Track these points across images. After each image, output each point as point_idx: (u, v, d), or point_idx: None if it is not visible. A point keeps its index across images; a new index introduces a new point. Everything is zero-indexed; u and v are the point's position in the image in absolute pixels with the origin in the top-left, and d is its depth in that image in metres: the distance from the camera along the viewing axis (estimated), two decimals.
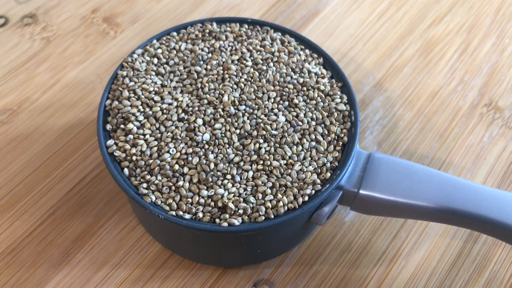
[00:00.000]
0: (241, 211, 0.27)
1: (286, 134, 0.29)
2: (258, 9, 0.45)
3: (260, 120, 0.29)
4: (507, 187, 0.36)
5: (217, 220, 0.27)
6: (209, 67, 0.32)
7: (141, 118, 0.29)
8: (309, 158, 0.29)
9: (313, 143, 0.29)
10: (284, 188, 0.28)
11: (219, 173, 0.28)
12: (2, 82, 0.40)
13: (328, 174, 0.28)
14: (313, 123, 0.30)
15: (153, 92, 0.30)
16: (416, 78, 0.42)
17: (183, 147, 0.28)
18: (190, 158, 0.28)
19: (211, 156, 0.28)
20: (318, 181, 0.28)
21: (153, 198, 0.27)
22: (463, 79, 0.42)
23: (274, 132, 0.29)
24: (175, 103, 0.30)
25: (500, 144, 0.38)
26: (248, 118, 0.29)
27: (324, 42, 0.43)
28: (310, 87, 0.31)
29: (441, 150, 0.38)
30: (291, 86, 0.31)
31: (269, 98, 0.30)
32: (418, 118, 0.39)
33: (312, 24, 0.44)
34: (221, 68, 0.31)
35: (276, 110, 0.30)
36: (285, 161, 0.28)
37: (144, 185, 0.28)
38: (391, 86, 0.41)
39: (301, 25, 0.44)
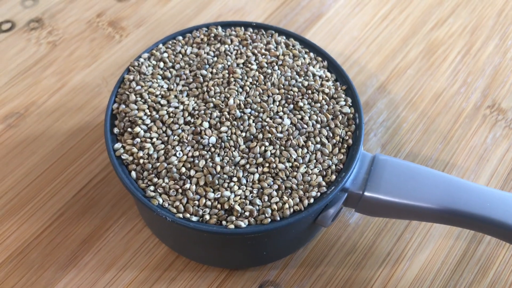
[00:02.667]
0: (247, 213, 0.27)
1: (291, 137, 0.29)
2: (262, 12, 0.46)
3: (266, 123, 0.30)
4: (511, 189, 0.37)
5: (224, 222, 0.27)
6: (214, 70, 0.32)
7: (148, 121, 0.30)
8: (314, 161, 0.29)
9: (318, 146, 0.29)
10: (289, 191, 0.28)
11: (225, 176, 0.28)
12: (9, 86, 0.41)
13: (333, 177, 0.29)
14: (318, 125, 0.30)
15: (160, 96, 0.31)
16: (419, 80, 0.42)
17: (189, 150, 0.29)
18: (196, 161, 0.28)
19: (217, 159, 0.28)
20: (324, 183, 0.28)
21: (160, 200, 0.28)
22: (466, 80, 0.42)
23: (279, 135, 0.29)
24: (181, 107, 0.30)
25: (503, 146, 0.38)
26: (253, 121, 0.30)
27: (328, 45, 0.44)
28: (314, 90, 0.31)
29: (444, 151, 0.38)
30: (296, 89, 0.31)
31: (274, 101, 0.31)
32: (422, 120, 0.40)
33: (315, 27, 0.45)
34: (227, 71, 0.32)
35: (281, 113, 0.30)
36: (290, 164, 0.29)
37: (151, 187, 0.28)
38: (395, 88, 0.41)
39: (304, 28, 0.45)
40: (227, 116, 0.30)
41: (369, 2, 0.47)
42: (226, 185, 0.28)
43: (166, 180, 0.28)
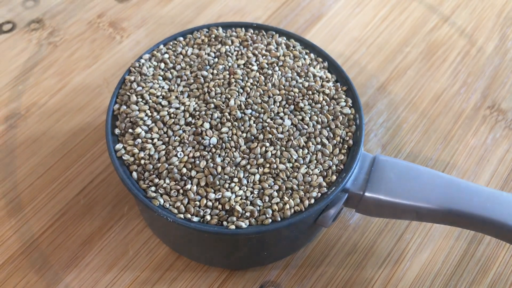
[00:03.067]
0: (248, 214, 0.27)
1: (292, 138, 0.29)
2: (262, 13, 0.46)
3: (266, 124, 0.30)
4: (511, 189, 0.37)
5: (225, 223, 0.27)
6: (215, 71, 0.32)
7: (149, 122, 0.30)
8: (315, 161, 0.29)
9: (319, 146, 0.30)
10: (290, 191, 0.28)
11: (226, 176, 0.28)
12: (10, 87, 0.41)
13: (334, 177, 0.29)
14: (319, 126, 0.30)
15: (161, 97, 0.31)
16: (419, 80, 0.42)
17: (190, 151, 0.29)
18: (197, 162, 0.28)
19: (218, 160, 0.28)
20: (324, 184, 0.29)
21: (162, 201, 0.28)
22: (466, 81, 0.42)
23: (280, 135, 0.29)
24: (182, 108, 0.30)
25: (503, 146, 0.39)
26: (254, 122, 0.30)
27: (328, 46, 0.44)
28: (315, 91, 0.31)
29: (444, 152, 0.38)
30: (296, 90, 0.31)
31: (274, 102, 0.31)
32: (422, 120, 0.40)
33: (316, 27, 0.45)
34: (227, 72, 0.32)
35: (282, 114, 0.30)
36: (291, 164, 0.29)
37: (153, 188, 0.28)
38: (395, 89, 0.41)
39: (305, 29, 0.45)
40: (228, 117, 0.30)
41: (369, 2, 0.47)
42: (227, 185, 0.28)
43: (167, 180, 0.28)
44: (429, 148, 0.38)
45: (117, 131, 0.30)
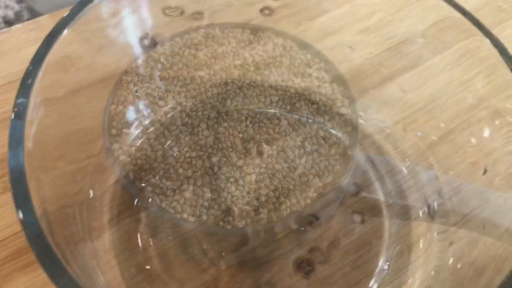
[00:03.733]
0: (244, 214, 0.28)
1: (288, 138, 0.29)
2: (260, 13, 0.46)
3: (263, 124, 0.30)
4: (509, 188, 0.37)
5: (221, 223, 0.28)
6: (212, 72, 0.32)
7: (146, 122, 0.30)
8: (311, 161, 0.29)
9: (315, 147, 0.30)
10: (286, 191, 0.28)
11: (222, 177, 0.28)
12: (8, 87, 0.41)
13: (330, 177, 0.29)
14: (315, 126, 0.30)
15: (158, 97, 0.31)
16: (417, 80, 0.42)
17: (187, 151, 0.29)
18: (194, 162, 0.29)
19: (214, 160, 0.29)
20: (320, 184, 0.29)
21: (158, 201, 0.28)
22: (464, 80, 0.42)
23: (276, 135, 0.29)
24: (179, 108, 0.31)
25: (501, 146, 0.38)
26: (250, 122, 0.30)
27: (325, 46, 0.44)
28: (311, 91, 0.32)
29: (442, 151, 0.38)
30: (293, 90, 0.31)
31: (271, 102, 0.31)
32: (419, 119, 0.40)
33: (313, 27, 0.45)
34: (224, 73, 0.32)
35: (278, 114, 0.30)
36: (287, 164, 0.29)
37: (149, 188, 0.28)
38: (392, 89, 0.41)
39: (302, 29, 0.45)
40: (225, 117, 0.30)
41: (367, 2, 0.47)
42: (223, 185, 0.28)
43: (164, 180, 0.28)
44: (426, 147, 0.38)
45: (113, 131, 0.30)
